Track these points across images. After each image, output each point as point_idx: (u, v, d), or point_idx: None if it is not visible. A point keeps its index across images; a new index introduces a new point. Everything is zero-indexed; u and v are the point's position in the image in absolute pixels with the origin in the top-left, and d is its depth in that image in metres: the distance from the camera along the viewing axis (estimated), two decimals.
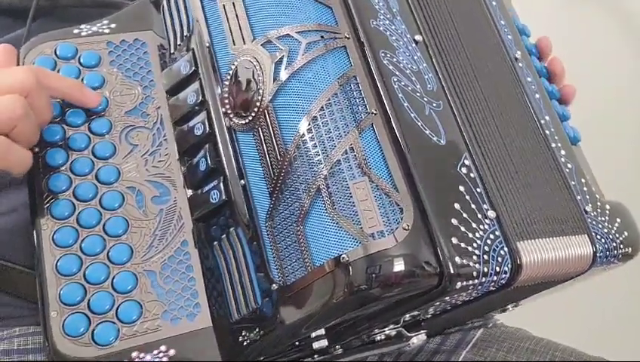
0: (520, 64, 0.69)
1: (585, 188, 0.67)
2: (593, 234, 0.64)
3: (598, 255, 0.63)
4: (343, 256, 0.52)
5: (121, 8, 0.76)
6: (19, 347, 0.66)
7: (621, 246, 0.66)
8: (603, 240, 0.64)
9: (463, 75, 0.63)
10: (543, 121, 0.67)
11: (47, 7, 0.77)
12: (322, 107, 0.56)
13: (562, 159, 0.66)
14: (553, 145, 0.66)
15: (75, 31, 0.73)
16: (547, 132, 0.67)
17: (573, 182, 0.66)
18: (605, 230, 0.65)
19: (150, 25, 0.74)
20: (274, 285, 0.57)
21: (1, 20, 0.78)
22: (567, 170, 0.66)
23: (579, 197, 0.65)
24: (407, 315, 0.61)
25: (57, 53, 0.71)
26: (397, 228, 0.52)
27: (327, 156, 0.55)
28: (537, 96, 0.69)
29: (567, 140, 0.69)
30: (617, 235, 0.66)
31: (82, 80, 0.71)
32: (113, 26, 0.74)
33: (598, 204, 0.67)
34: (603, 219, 0.66)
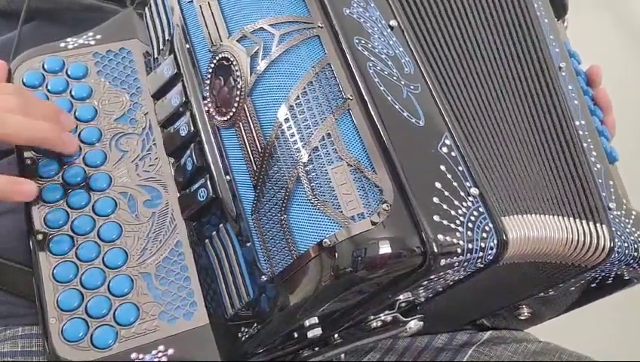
0: (563, 73, 0.70)
1: (612, 189, 0.67)
2: (613, 229, 0.63)
3: (616, 250, 0.63)
4: (324, 240, 0.52)
5: (108, 12, 0.77)
6: (23, 349, 0.67)
7: None
8: (624, 238, 0.64)
9: (445, 58, 0.64)
10: (578, 123, 0.67)
11: (35, 11, 0.78)
12: (298, 96, 0.56)
13: (592, 158, 0.67)
14: (585, 144, 0.67)
15: (62, 44, 0.74)
16: (580, 132, 0.67)
17: (599, 180, 0.66)
18: (627, 230, 0.65)
19: (135, 33, 0.75)
20: (263, 276, 0.57)
21: None
22: (596, 169, 0.66)
23: (603, 194, 0.65)
24: (402, 299, 0.61)
25: (45, 67, 0.73)
26: (377, 210, 0.52)
27: (305, 144, 0.55)
28: (576, 102, 0.70)
29: (601, 148, 0.70)
30: None
31: (70, 91, 0.72)
32: (99, 37, 0.75)
33: (624, 206, 0.67)
34: (627, 221, 0.66)
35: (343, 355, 0.66)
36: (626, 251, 0.64)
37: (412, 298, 0.61)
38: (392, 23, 0.62)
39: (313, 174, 0.54)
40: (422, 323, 0.64)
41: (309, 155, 0.55)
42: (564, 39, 0.77)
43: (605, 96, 0.77)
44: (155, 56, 0.72)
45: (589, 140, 0.67)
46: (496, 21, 0.67)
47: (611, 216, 0.64)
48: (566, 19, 0.81)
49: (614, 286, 0.70)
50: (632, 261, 0.65)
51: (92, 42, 0.75)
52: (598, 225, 0.62)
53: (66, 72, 0.73)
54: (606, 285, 0.69)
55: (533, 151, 0.64)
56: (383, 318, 0.63)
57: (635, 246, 0.65)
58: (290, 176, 0.55)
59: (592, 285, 0.70)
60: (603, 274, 0.67)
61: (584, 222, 0.62)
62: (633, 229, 0.66)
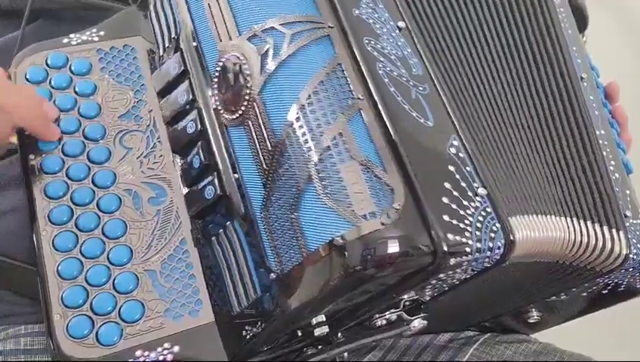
0: (584, 83, 0.70)
1: (628, 198, 0.68)
2: (630, 236, 0.64)
3: (631, 257, 0.64)
4: (336, 238, 0.53)
5: (110, 11, 0.77)
6: (25, 347, 0.67)
7: None
8: (639, 245, 0.65)
9: (452, 59, 0.64)
10: (598, 132, 0.68)
11: (39, 11, 0.78)
12: (309, 95, 0.57)
13: (611, 167, 0.68)
14: (604, 153, 0.67)
15: (65, 40, 0.74)
16: (600, 141, 0.68)
17: (617, 189, 0.67)
18: None
19: (138, 31, 0.75)
20: (272, 274, 0.57)
21: None
22: (614, 178, 0.67)
23: (620, 202, 0.66)
24: (406, 298, 0.61)
25: (48, 62, 0.73)
26: (389, 209, 0.53)
27: (317, 143, 0.55)
28: (597, 113, 0.70)
29: (619, 158, 0.71)
30: None
31: (74, 87, 0.72)
32: (102, 33, 0.75)
33: None
34: None
35: (345, 354, 0.67)
36: None
37: (417, 297, 0.62)
38: (400, 24, 0.63)
39: (325, 173, 0.55)
40: (426, 322, 0.64)
41: (321, 154, 0.55)
42: (586, 52, 0.78)
43: (622, 112, 0.79)
44: (161, 54, 0.72)
45: (608, 150, 0.68)
46: (511, 23, 0.68)
47: (627, 224, 0.65)
48: (585, 35, 0.82)
49: (625, 294, 0.71)
50: None
51: (95, 38, 0.75)
52: (614, 230, 0.63)
53: (70, 68, 0.73)
54: (618, 292, 0.70)
55: (544, 154, 0.64)
56: (387, 317, 0.63)
57: None
58: (301, 174, 0.55)
59: (604, 291, 0.71)
60: (616, 281, 0.68)
61: (597, 226, 0.63)
62: None
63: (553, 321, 0.81)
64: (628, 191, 0.68)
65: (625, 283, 0.69)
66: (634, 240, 0.64)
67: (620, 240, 0.63)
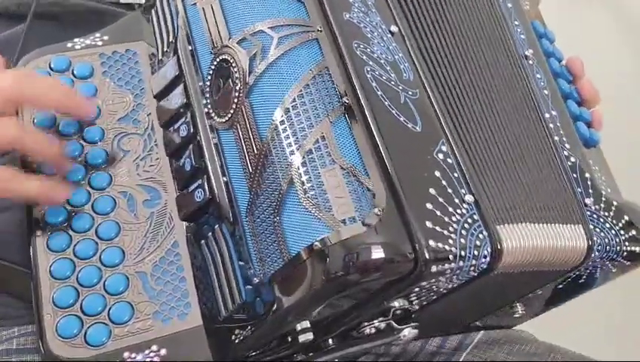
0: (530, 61, 0.69)
1: (588, 183, 0.66)
2: (591, 227, 0.63)
3: (595, 248, 0.62)
4: (315, 243, 0.52)
5: (115, 16, 0.78)
6: (18, 346, 0.67)
7: (626, 243, 0.65)
8: (603, 235, 0.63)
9: (444, 64, 0.64)
10: (548, 115, 0.67)
11: (42, 15, 0.79)
12: (294, 98, 0.56)
13: (565, 152, 0.66)
14: (556, 138, 0.66)
15: (69, 44, 0.75)
16: (551, 125, 0.67)
17: (574, 175, 0.65)
18: (607, 225, 0.64)
19: (142, 35, 0.76)
20: (255, 279, 0.57)
21: None
22: (570, 163, 0.66)
23: (579, 190, 0.64)
24: (397, 306, 0.60)
25: (52, 66, 0.74)
26: (369, 214, 0.52)
27: (300, 146, 0.55)
28: (546, 92, 0.69)
29: (575, 137, 0.69)
30: (622, 232, 0.65)
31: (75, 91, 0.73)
32: (106, 38, 0.76)
33: (603, 199, 0.66)
34: (606, 214, 0.65)
35: (336, 361, 0.66)
36: (607, 247, 0.63)
37: (407, 306, 0.61)
38: (393, 28, 0.62)
39: (306, 177, 0.54)
40: (416, 331, 0.63)
41: (303, 158, 0.55)
42: (533, 19, 0.75)
43: (590, 88, 0.75)
44: (160, 58, 0.72)
45: (562, 132, 0.67)
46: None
47: (588, 213, 0.63)
48: None
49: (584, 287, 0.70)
50: (615, 256, 0.64)
51: (99, 43, 0.76)
52: (574, 226, 0.61)
53: (72, 72, 0.74)
54: (579, 284, 0.69)
55: (525, 157, 0.63)
56: (376, 325, 0.62)
57: (617, 239, 0.64)
58: (283, 178, 0.55)
59: (580, 281, 0.69)
60: (587, 271, 0.66)
61: (565, 226, 0.61)
62: (614, 222, 0.65)
63: (530, 314, 0.79)
64: (587, 175, 0.66)
65: (598, 270, 0.66)
66: (597, 230, 0.63)
67: (580, 235, 0.61)
